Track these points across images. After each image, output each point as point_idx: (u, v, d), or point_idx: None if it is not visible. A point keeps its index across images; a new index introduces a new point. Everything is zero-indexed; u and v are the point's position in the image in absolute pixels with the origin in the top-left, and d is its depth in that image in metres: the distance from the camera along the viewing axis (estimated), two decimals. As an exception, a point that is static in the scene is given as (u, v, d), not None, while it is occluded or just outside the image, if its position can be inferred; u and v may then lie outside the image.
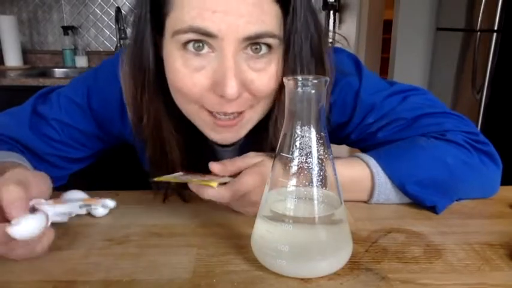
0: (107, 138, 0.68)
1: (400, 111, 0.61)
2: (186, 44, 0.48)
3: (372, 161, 0.56)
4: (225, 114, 0.51)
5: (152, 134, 0.57)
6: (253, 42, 0.48)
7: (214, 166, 0.49)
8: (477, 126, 2.34)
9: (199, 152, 0.62)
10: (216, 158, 0.56)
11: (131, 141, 0.63)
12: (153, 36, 0.52)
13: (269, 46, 0.50)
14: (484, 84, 2.27)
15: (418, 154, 0.56)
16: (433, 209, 0.56)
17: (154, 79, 0.53)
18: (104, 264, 0.43)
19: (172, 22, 0.48)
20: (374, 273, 0.42)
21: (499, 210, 0.58)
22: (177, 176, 0.52)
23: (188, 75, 0.49)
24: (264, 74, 0.50)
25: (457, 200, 0.59)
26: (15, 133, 0.63)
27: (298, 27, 0.51)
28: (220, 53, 0.48)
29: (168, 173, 0.53)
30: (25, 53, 2.30)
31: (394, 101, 0.62)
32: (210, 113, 0.52)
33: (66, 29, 2.27)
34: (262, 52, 0.50)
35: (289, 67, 0.52)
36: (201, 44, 0.48)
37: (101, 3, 2.32)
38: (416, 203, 0.57)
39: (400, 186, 0.56)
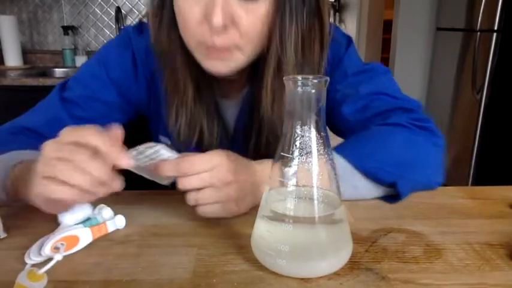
0: (127, 108, 0.73)
1: (363, 90, 0.66)
2: None
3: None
4: (215, 47, 0.55)
5: (170, 69, 0.64)
6: None
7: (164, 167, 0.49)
8: (477, 126, 2.34)
9: (212, 103, 0.68)
10: (220, 110, 0.70)
11: (145, 106, 0.71)
12: None
13: None
14: (484, 84, 2.27)
15: (371, 141, 0.59)
16: (396, 192, 0.56)
17: (170, 14, 0.59)
18: (104, 264, 0.43)
19: None
20: (374, 273, 0.42)
21: (499, 210, 0.58)
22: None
23: (187, 9, 0.54)
24: (252, 13, 0.54)
25: (415, 190, 0.59)
26: (51, 118, 0.67)
27: None
28: None
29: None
30: (25, 53, 2.30)
31: (362, 78, 0.67)
32: (206, 47, 0.57)
33: (66, 29, 2.27)
34: None
35: (280, 13, 0.55)
36: None
37: (101, 3, 2.32)
38: (377, 181, 0.57)
39: (360, 167, 0.56)
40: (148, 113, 0.75)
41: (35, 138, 0.63)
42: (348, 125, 0.68)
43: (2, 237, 0.49)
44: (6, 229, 0.50)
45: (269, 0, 0.54)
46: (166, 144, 0.54)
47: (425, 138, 0.61)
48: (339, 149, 0.57)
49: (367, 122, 0.64)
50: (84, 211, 0.50)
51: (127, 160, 0.44)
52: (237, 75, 0.63)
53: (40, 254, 0.44)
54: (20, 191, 0.51)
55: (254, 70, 0.64)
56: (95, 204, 0.51)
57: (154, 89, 0.71)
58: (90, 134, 0.43)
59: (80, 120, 0.68)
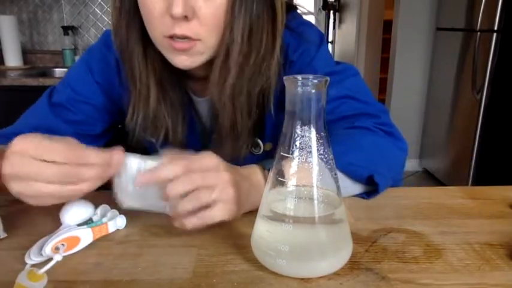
0: (113, 109, 0.74)
1: (332, 92, 0.65)
2: None
3: None
4: (178, 37, 0.56)
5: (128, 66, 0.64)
6: None
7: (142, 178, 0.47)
8: (477, 126, 2.34)
9: (177, 100, 0.69)
10: (194, 107, 0.72)
11: (128, 105, 0.70)
12: None
13: None
14: (484, 84, 2.27)
15: (342, 141, 0.59)
16: (372, 186, 0.58)
17: (129, 8, 0.60)
18: (104, 264, 0.43)
19: None
20: (374, 273, 0.42)
21: (499, 210, 0.58)
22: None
23: (150, 1, 0.55)
24: (211, 2, 0.55)
25: (389, 185, 0.61)
26: (41, 123, 0.69)
27: None
28: None
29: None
30: (25, 53, 2.30)
31: (333, 79, 0.66)
32: (170, 38, 0.57)
33: (66, 29, 2.27)
34: None
35: (237, 2, 0.56)
36: None
37: (101, 3, 2.32)
38: (354, 177, 0.59)
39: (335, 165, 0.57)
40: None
41: None
42: None
43: (2, 237, 0.49)
44: (6, 229, 0.50)
45: None
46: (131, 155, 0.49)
47: (390, 142, 0.64)
48: None
49: (333, 125, 0.63)
50: (86, 211, 0.50)
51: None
52: (203, 70, 0.63)
53: (41, 255, 0.44)
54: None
55: None
56: (97, 204, 0.51)
57: None
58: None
59: (71, 123, 0.71)
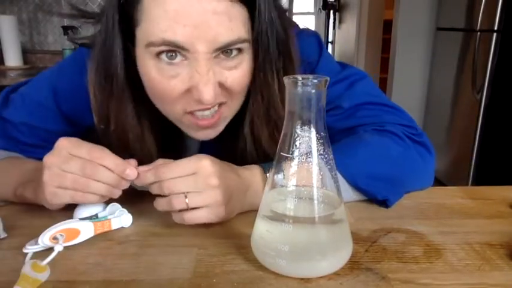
0: (78, 131, 0.65)
1: (344, 99, 0.63)
2: (159, 54, 0.49)
3: None
4: (205, 115, 0.54)
5: (120, 139, 0.59)
6: (224, 50, 0.50)
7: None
8: (477, 126, 2.34)
9: (173, 146, 0.66)
10: (188, 149, 0.67)
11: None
12: (123, 43, 0.53)
13: (239, 49, 0.52)
14: (484, 84, 2.26)
15: (365, 150, 0.58)
16: (384, 204, 0.57)
17: (122, 87, 0.55)
18: (104, 264, 0.43)
19: (144, 33, 0.49)
20: (374, 273, 0.42)
21: (499, 210, 0.58)
22: None
23: (165, 82, 0.51)
24: (236, 72, 0.53)
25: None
26: None
27: (263, 27, 0.52)
28: (194, 62, 0.49)
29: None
30: (25, 53, 2.30)
31: (340, 87, 0.64)
32: (192, 114, 0.54)
33: (66, 29, 2.27)
34: (233, 55, 0.52)
35: (259, 63, 0.54)
36: (173, 54, 0.49)
37: (101, 3, 2.32)
38: (368, 197, 0.58)
39: (353, 182, 0.56)
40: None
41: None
42: (330, 132, 0.65)
43: (2, 237, 0.49)
44: (6, 229, 0.50)
45: (248, 55, 0.53)
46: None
47: (418, 154, 0.61)
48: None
49: (357, 127, 0.62)
50: (95, 208, 0.52)
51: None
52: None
53: (37, 243, 0.45)
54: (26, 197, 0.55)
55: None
56: (108, 202, 0.52)
57: None
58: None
59: (18, 143, 0.65)
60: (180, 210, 0.48)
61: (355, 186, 0.57)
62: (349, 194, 0.58)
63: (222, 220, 0.50)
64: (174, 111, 0.55)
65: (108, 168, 0.48)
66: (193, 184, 0.47)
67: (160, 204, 0.49)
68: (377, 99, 0.65)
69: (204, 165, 0.47)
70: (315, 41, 0.66)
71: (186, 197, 0.47)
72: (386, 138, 0.59)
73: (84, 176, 0.47)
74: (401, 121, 0.63)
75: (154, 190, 0.48)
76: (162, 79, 0.51)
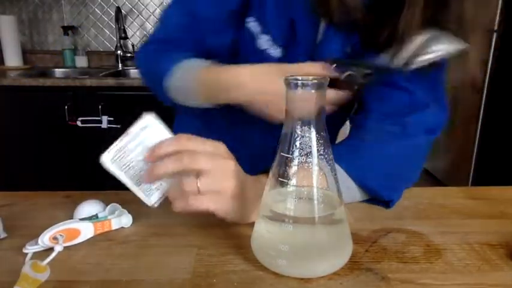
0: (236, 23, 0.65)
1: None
2: None
3: None
4: None
5: None
6: None
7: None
8: (477, 126, 2.34)
9: None
10: None
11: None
12: None
13: None
14: (484, 84, 2.27)
15: (372, 149, 0.58)
16: (387, 204, 0.58)
17: None
18: (104, 264, 0.43)
19: None
20: (374, 273, 0.42)
21: (499, 210, 0.58)
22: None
23: None
24: None
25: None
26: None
27: None
28: None
29: None
30: (25, 53, 2.30)
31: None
32: None
33: (66, 29, 2.27)
34: None
35: None
36: None
37: (101, 3, 2.32)
38: (373, 197, 0.58)
39: (359, 182, 0.57)
40: None
41: (172, 46, 0.66)
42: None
43: (2, 237, 0.49)
44: (6, 229, 0.50)
45: None
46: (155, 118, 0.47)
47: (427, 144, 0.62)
48: (336, 154, 0.55)
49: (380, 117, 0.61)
50: (95, 209, 0.52)
51: None
52: None
53: (37, 243, 0.45)
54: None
55: None
56: (108, 203, 0.53)
57: None
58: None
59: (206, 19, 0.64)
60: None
61: (362, 186, 0.57)
62: (355, 194, 0.58)
63: (226, 217, 0.47)
64: None
65: None
66: (211, 162, 0.44)
67: (171, 186, 0.47)
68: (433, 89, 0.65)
69: (221, 148, 0.46)
70: None
71: (198, 179, 0.43)
72: (394, 139, 0.59)
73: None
74: (427, 123, 0.62)
75: (168, 163, 0.44)
76: None
